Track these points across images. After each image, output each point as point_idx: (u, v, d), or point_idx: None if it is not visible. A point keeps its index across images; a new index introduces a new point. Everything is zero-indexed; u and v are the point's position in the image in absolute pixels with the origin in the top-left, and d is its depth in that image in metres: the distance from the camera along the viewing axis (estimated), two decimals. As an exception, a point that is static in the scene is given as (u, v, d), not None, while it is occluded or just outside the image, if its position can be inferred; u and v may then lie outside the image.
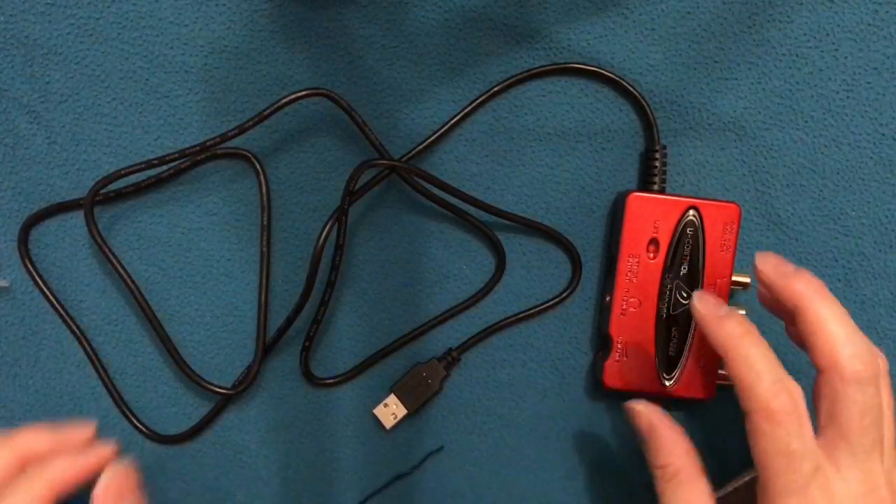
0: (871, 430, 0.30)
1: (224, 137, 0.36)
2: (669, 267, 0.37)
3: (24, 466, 0.33)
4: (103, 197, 0.39)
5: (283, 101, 0.36)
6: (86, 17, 0.38)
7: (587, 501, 0.41)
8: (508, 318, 0.40)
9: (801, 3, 0.38)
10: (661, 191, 0.38)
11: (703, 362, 0.38)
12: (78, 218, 0.39)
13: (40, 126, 0.39)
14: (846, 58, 0.38)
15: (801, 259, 0.40)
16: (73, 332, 0.40)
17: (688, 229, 0.37)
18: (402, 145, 0.39)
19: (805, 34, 0.38)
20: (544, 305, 0.40)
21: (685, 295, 0.37)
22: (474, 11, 0.38)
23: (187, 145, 0.39)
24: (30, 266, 0.39)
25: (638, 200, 0.37)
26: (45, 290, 0.39)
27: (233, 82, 0.39)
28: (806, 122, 0.39)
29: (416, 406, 0.39)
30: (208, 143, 0.37)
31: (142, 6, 0.38)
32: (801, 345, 0.32)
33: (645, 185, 0.38)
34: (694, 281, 0.37)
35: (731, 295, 0.38)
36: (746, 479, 0.38)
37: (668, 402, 0.37)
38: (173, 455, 0.41)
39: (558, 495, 0.41)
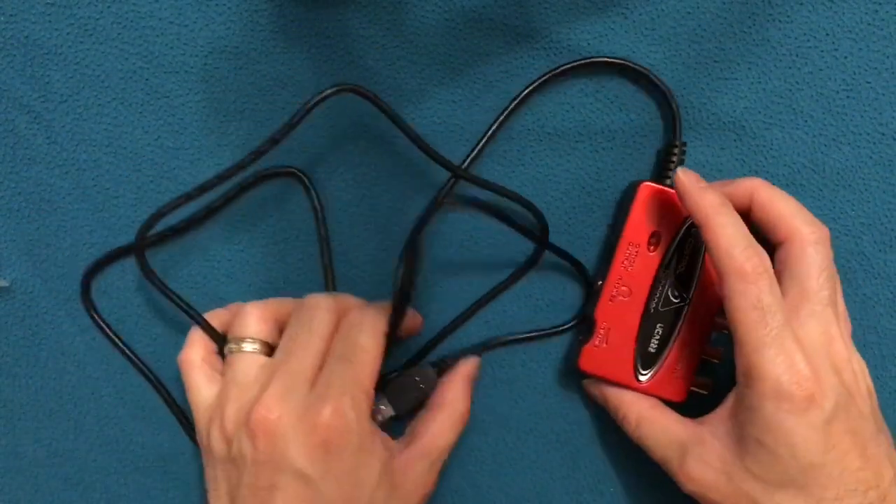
0: (827, 285, 0.33)
1: (258, 153, 0.34)
2: (667, 263, 0.37)
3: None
4: (151, 239, 0.39)
5: (312, 103, 0.34)
6: (86, 18, 0.38)
7: (587, 501, 0.41)
8: (507, 338, 0.40)
9: (801, 3, 0.38)
10: (672, 185, 0.37)
11: (682, 365, 0.37)
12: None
13: (40, 126, 0.39)
14: (846, 57, 0.38)
15: (801, 259, 0.40)
16: (151, 382, 0.40)
17: (693, 229, 0.37)
18: (402, 145, 0.39)
19: (805, 34, 0.38)
20: (544, 332, 0.40)
21: (676, 294, 0.37)
22: (474, 11, 0.38)
23: (187, 145, 0.39)
24: (96, 316, 0.40)
25: (649, 190, 0.37)
26: (112, 337, 0.40)
27: (233, 82, 0.39)
28: (806, 121, 0.39)
29: (406, 409, 0.38)
30: (247, 162, 0.34)
31: (142, 6, 0.38)
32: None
33: (659, 178, 0.38)
34: (688, 283, 0.37)
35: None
36: None
37: None
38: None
39: (558, 495, 0.41)
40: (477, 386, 0.39)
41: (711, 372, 0.38)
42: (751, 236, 0.33)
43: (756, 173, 0.39)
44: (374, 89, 0.39)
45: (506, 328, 0.40)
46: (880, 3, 0.38)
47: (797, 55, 0.38)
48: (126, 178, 0.39)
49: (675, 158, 0.38)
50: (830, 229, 0.39)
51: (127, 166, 0.39)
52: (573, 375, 0.40)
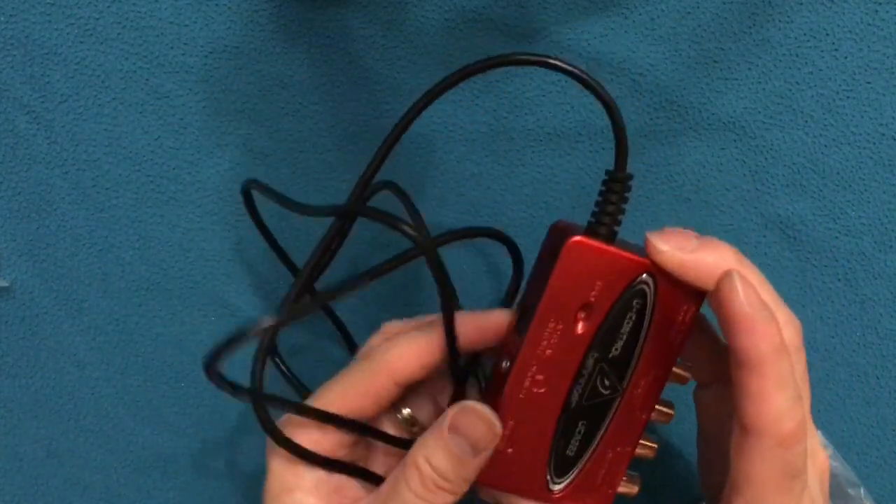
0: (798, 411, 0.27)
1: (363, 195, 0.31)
2: (599, 345, 0.28)
3: None
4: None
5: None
6: (86, 18, 0.38)
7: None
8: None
9: (802, 3, 0.38)
10: (611, 237, 0.28)
11: (606, 470, 0.30)
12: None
13: (40, 126, 0.39)
14: (846, 58, 0.38)
15: (801, 259, 0.40)
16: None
17: (635, 301, 0.28)
18: (402, 145, 0.39)
19: (805, 34, 0.38)
20: None
21: (607, 384, 0.29)
22: (474, 11, 0.38)
23: (187, 145, 0.39)
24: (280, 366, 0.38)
25: (579, 248, 0.27)
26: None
27: (233, 82, 0.39)
28: (806, 121, 0.39)
29: None
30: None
31: (142, 6, 0.38)
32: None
33: (594, 225, 0.28)
34: (622, 370, 0.29)
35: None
36: None
37: None
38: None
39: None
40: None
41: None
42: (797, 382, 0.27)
43: (756, 173, 0.39)
44: (374, 89, 0.39)
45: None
46: (880, 4, 0.38)
47: (797, 55, 0.38)
48: (126, 178, 0.39)
49: (614, 198, 0.28)
50: (831, 229, 0.40)
51: (127, 166, 0.39)
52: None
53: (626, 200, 0.28)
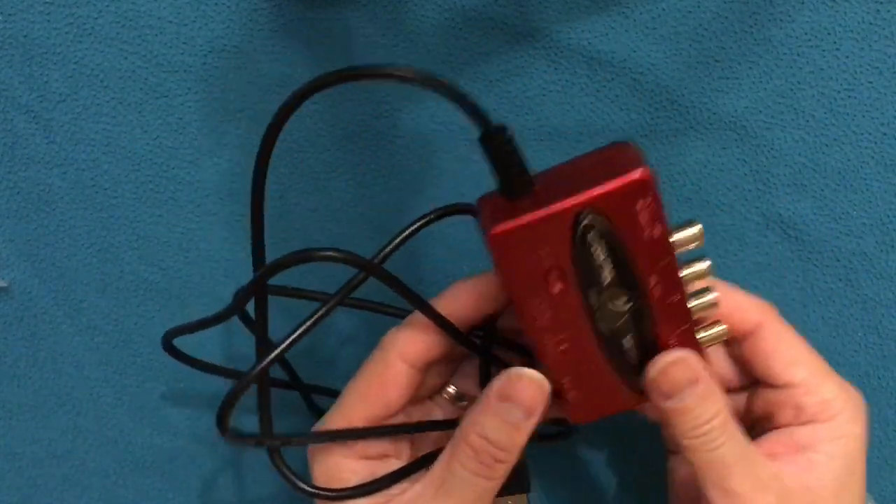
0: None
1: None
2: (587, 284, 0.27)
3: None
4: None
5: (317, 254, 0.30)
6: (85, 17, 0.38)
7: (587, 501, 0.41)
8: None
9: (803, 3, 0.38)
10: (529, 187, 0.26)
11: (675, 341, 0.29)
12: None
13: (39, 125, 0.39)
14: (848, 57, 0.38)
15: (803, 259, 0.40)
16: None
17: (588, 235, 0.26)
18: (402, 145, 0.39)
19: (806, 33, 0.38)
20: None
21: (622, 301, 0.28)
22: (474, 11, 0.38)
23: (186, 145, 0.39)
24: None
25: (503, 238, 0.26)
26: None
27: (232, 82, 0.39)
28: (807, 121, 0.39)
29: None
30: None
31: (141, 5, 0.38)
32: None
33: (508, 191, 0.26)
34: (625, 278, 0.27)
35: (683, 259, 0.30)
36: None
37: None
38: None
39: (558, 496, 0.41)
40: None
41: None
42: None
43: (757, 173, 0.39)
44: (374, 89, 0.39)
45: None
46: (882, 3, 0.38)
47: (799, 55, 0.38)
48: (125, 178, 0.39)
49: (505, 151, 0.26)
50: (832, 229, 0.39)
51: (126, 166, 0.39)
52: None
53: (514, 149, 0.26)
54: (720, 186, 0.39)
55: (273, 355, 0.28)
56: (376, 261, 0.30)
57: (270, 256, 0.40)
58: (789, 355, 0.31)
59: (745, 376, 0.33)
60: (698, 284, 0.29)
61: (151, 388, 0.40)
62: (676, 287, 0.28)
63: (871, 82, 0.38)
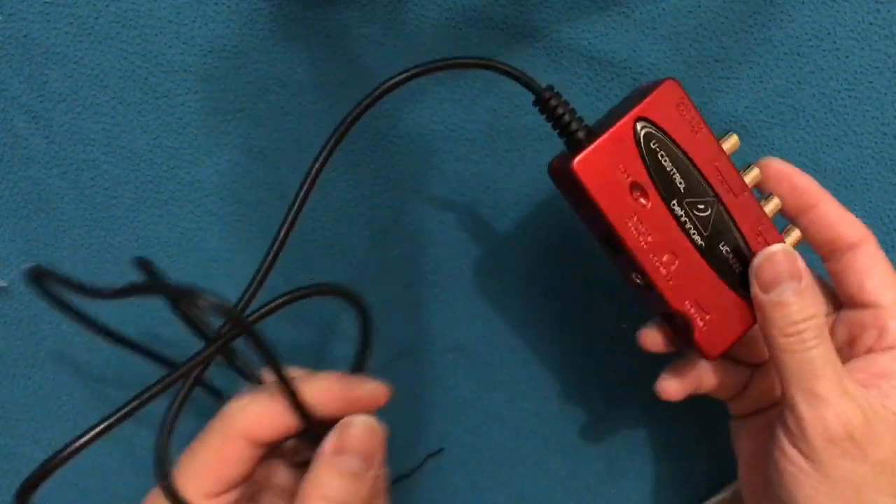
0: None
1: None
2: (668, 195, 0.30)
3: None
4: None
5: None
6: (84, 17, 0.38)
7: (587, 501, 0.41)
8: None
9: (803, 2, 0.38)
10: (590, 135, 0.30)
11: (769, 244, 0.32)
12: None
13: (38, 125, 0.39)
14: (848, 57, 0.38)
15: (803, 259, 0.40)
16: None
17: (651, 143, 0.30)
18: (402, 145, 0.39)
19: (807, 33, 0.38)
20: None
21: (702, 207, 0.31)
22: (474, 11, 0.38)
23: (186, 145, 0.39)
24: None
25: (585, 164, 0.29)
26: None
27: (232, 82, 0.39)
28: (807, 121, 0.39)
29: None
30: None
31: (140, 5, 0.38)
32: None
33: (572, 143, 0.31)
34: (696, 183, 0.31)
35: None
36: (732, 489, 0.38)
37: None
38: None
39: (558, 495, 0.41)
40: (478, 386, 0.39)
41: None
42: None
43: (757, 173, 0.39)
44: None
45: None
46: (882, 3, 0.38)
47: (799, 54, 0.38)
48: (125, 178, 0.39)
49: (559, 112, 0.30)
50: (832, 229, 0.39)
51: (126, 166, 0.39)
52: (580, 382, 0.40)
53: (566, 105, 0.30)
54: (720, 186, 0.39)
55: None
56: (251, 318, 0.27)
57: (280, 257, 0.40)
58: (882, 277, 0.32)
59: (831, 301, 0.34)
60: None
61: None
62: (741, 186, 0.32)
63: (871, 82, 0.38)
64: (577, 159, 0.29)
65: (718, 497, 0.39)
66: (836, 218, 0.32)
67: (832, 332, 0.33)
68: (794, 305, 0.29)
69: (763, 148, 0.39)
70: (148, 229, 0.39)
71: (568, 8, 0.38)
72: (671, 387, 0.34)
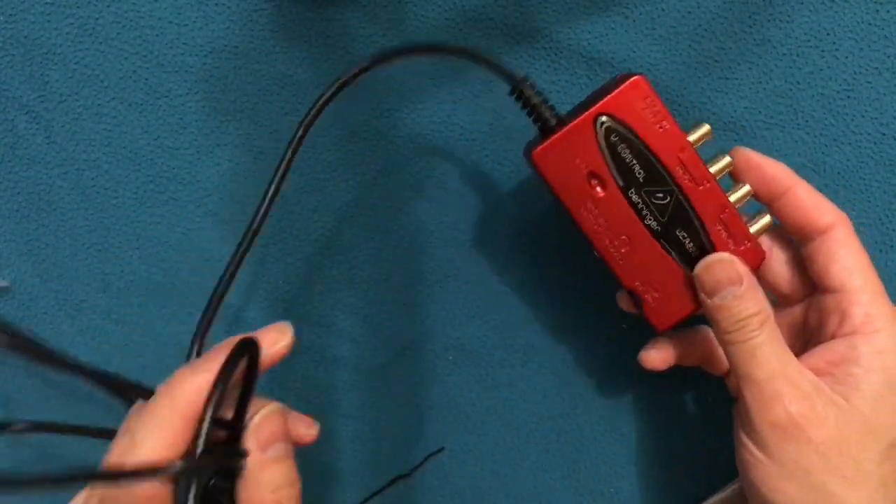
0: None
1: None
2: (626, 184, 0.32)
3: None
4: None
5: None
6: (85, 17, 0.38)
7: (587, 502, 0.41)
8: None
9: (802, 3, 0.38)
10: (557, 122, 0.32)
11: (730, 235, 0.33)
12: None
13: (39, 126, 0.39)
14: (847, 57, 0.38)
15: (802, 259, 0.40)
16: None
17: (612, 137, 0.32)
18: (402, 145, 0.39)
19: (806, 34, 0.38)
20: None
21: (660, 195, 0.33)
22: (474, 11, 0.38)
23: (186, 145, 0.39)
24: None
25: (543, 154, 0.32)
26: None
27: (232, 82, 0.39)
28: (806, 121, 0.39)
29: None
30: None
31: (141, 6, 0.38)
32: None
33: (544, 131, 0.33)
34: (656, 175, 0.32)
35: (702, 148, 0.33)
36: (731, 488, 0.38)
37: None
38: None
39: (558, 495, 0.41)
40: (478, 386, 0.39)
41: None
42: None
43: (757, 173, 0.39)
44: (374, 89, 0.39)
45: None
46: (881, 3, 0.38)
47: (798, 55, 0.38)
48: (125, 178, 0.39)
49: (531, 100, 0.33)
50: (831, 229, 0.39)
51: (126, 166, 0.39)
52: (580, 382, 0.40)
53: (538, 93, 0.32)
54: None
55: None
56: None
57: (273, 258, 0.40)
58: (850, 262, 0.32)
59: (805, 286, 0.34)
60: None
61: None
62: (705, 175, 0.33)
63: (870, 82, 0.38)
64: (535, 150, 0.32)
65: (718, 496, 0.39)
66: (808, 203, 0.33)
67: (805, 319, 0.34)
68: (735, 308, 0.31)
69: (762, 148, 0.39)
70: (148, 229, 0.40)
71: (567, 8, 0.38)
72: (650, 356, 0.36)
